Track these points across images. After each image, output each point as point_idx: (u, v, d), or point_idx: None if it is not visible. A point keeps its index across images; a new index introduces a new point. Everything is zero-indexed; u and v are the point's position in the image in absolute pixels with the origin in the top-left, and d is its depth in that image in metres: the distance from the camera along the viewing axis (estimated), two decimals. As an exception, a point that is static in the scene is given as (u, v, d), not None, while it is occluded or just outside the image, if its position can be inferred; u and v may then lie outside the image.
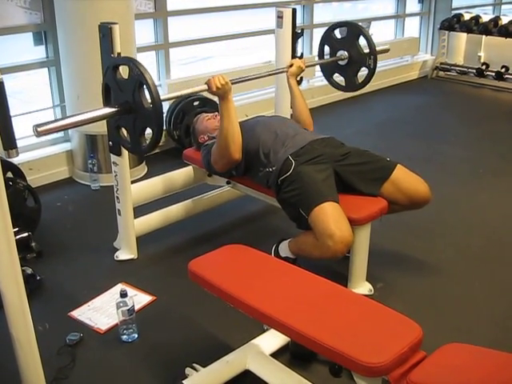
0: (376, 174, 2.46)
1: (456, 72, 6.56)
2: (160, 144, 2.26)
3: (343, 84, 3.32)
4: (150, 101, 2.00)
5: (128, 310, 2.17)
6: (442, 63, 6.66)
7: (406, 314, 1.62)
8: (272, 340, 2.04)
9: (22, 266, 1.68)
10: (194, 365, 1.98)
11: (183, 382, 1.85)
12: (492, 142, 4.58)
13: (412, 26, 6.89)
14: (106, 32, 2.33)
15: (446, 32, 6.54)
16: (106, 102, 2.22)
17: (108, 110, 2.14)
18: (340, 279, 2.10)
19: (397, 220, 2.72)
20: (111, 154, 2.61)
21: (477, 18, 6.25)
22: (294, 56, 3.19)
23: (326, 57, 3.34)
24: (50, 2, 3.48)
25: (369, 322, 1.63)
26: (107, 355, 2.15)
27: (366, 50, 3.09)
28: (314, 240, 2.25)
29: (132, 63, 2.01)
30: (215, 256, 2.01)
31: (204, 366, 1.95)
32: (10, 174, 2.97)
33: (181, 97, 2.67)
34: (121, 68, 2.14)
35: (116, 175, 2.66)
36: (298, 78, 3.01)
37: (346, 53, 3.16)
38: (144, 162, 3.90)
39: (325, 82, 3.47)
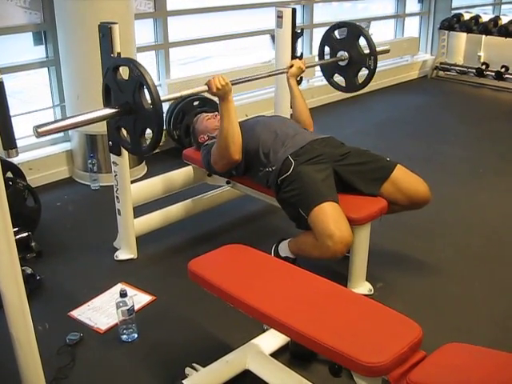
0: (376, 173, 2.46)
1: (456, 72, 6.56)
2: (160, 144, 2.26)
3: (343, 85, 3.32)
4: (150, 102, 2.01)
5: (128, 309, 2.17)
6: (441, 63, 6.66)
7: (406, 313, 1.62)
8: (272, 340, 2.04)
9: (21, 265, 1.68)
10: (194, 364, 1.98)
11: (183, 381, 1.85)
12: (492, 141, 4.58)
13: (412, 26, 6.90)
14: (105, 32, 2.33)
15: (446, 32, 6.55)
16: (107, 103, 2.22)
17: (108, 111, 2.14)
18: (340, 279, 2.10)
19: (396, 220, 2.72)
20: (111, 154, 2.61)
21: (477, 17, 6.25)
22: (293, 56, 3.19)
23: (326, 57, 3.34)
24: (50, 2, 3.48)
25: (369, 322, 1.63)
26: (107, 355, 2.15)
27: (367, 51, 3.09)
28: (314, 240, 2.25)
29: (132, 64, 2.02)
30: (215, 256, 2.01)
31: (204, 366, 1.95)
32: (9, 174, 2.97)
33: (181, 97, 2.68)
34: (121, 69, 2.14)
35: (116, 175, 2.66)
36: (298, 78, 3.01)
37: (346, 53, 3.16)
38: (144, 162, 3.90)
39: (325, 81, 3.47)
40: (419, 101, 5.85)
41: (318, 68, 3.79)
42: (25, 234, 2.72)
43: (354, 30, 3.14)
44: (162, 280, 2.62)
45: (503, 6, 8.13)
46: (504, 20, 6.10)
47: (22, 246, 2.66)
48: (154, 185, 2.94)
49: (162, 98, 2.04)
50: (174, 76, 4.51)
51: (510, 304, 2.45)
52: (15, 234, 1.77)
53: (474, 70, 6.31)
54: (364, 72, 3.14)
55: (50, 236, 2.97)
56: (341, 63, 3.21)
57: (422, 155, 4.15)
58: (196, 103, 4.12)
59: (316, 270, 1.89)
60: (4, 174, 1.67)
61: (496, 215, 3.26)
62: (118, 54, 2.33)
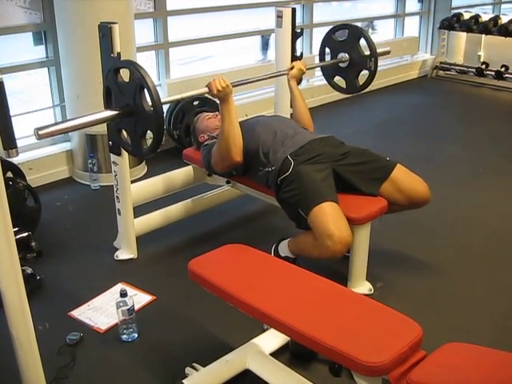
0: (375, 173, 2.46)
1: (456, 71, 6.56)
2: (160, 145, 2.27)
3: (344, 86, 3.32)
4: (150, 104, 2.01)
5: (128, 309, 2.17)
6: (441, 62, 6.66)
7: (406, 313, 1.62)
8: (272, 339, 2.05)
9: (21, 265, 1.68)
10: (194, 364, 1.98)
11: (183, 381, 1.85)
12: (492, 141, 4.58)
13: (412, 26, 6.90)
14: (105, 32, 2.33)
15: (446, 31, 6.55)
16: (107, 105, 2.22)
17: (109, 113, 2.14)
18: (340, 279, 2.10)
19: (396, 219, 2.72)
20: (111, 154, 2.61)
21: (476, 17, 6.25)
22: (293, 55, 3.19)
23: (327, 59, 3.34)
24: (50, 2, 3.48)
25: (369, 322, 1.63)
26: (107, 355, 2.15)
27: (367, 52, 3.09)
28: (313, 240, 2.25)
29: (133, 66, 2.02)
30: (215, 255, 2.01)
31: (204, 366, 1.95)
32: (9, 174, 2.97)
33: (181, 99, 2.69)
34: (121, 71, 2.14)
35: (116, 175, 2.66)
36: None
37: (346, 55, 3.16)
38: (144, 162, 3.90)
39: (324, 81, 3.47)
40: (419, 100, 5.85)
41: (318, 68, 3.79)
42: (25, 234, 2.72)
43: (355, 31, 3.14)
44: (162, 280, 2.62)
45: (503, 6, 8.13)
46: (504, 19, 6.10)
47: (22, 246, 2.67)
48: (154, 185, 2.94)
49: (162, 100, 2.05)
50: (174, 76, 4.51)
51: (509, 304, 2.45)
52: (15, 233, 1.77)
53: (474, 70, 6.31)
54: (365, 72, 3.14)
55: (50, 236, 2.98)
56: (341, 65, 3.21)
57: (421, 155, 4.15)
58: (196, 103, 4.12)
59: (316, 269, 1.89)
60: (4, 174, 1.67)
61: (496, 215, 3.26)
62: (118, 53, 2.33)
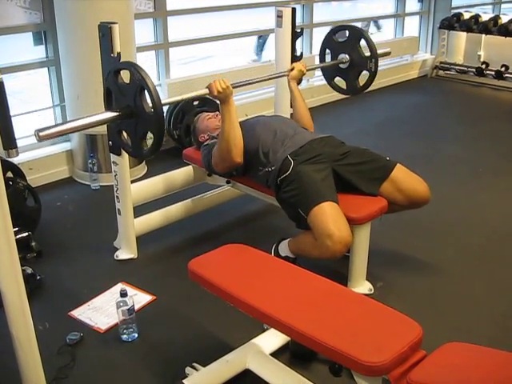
0: (375, 173, 2.46)
1: (456, 71, 6.56)
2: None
3: (344, 87, 3.32)
4: (151, 105, 2.01)
5: (128, 309, 2.17)
6: (441, 62, 6.66)
7: (406, 313, 1.62)
8: (272, 339, 2.05)
9: (22, 265, 1.68)
10: (194, 364, 1.98)
11: (183, 381, 1.85)
12: (492, 141, 4.58)
13: (412, 25, 6.90)
14: (105, 32, 2.33)
15: (446, 31, 6.54)
16: (108, 106, 2.22)
17: (109, 115, 2.14)
18: (340, 278, 2.11)
19: (396, 219, 2.72)
20: (111, 154, 2.61)
21: (476, 17, 6.25)
22: (293, 55, 3.19)
23: (327, 59, 3.34)
24: (50, 2, 3.48)
25: (369, 321, 1.63)
26: (107, 355, 2.15)
27: (368, 53, 3.09)
28: (313, 240, 2.26)
29: (133, 68, 2.02)
30: (215, 255, 2.01)
31: (204, 366, 1.95)
32: (10, 174, 2.97)
33: (182, 101, 2.71)
34: (122, 72, 2.15)
35: (116, 175, 2.66)
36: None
37: (347, 56, 3.16)
38: (144, 162, 3.90)
39: (324, 81, 3.47)
40: (419, 100, 5.85)
41: (318, 68, 3.79)
42: (25, 234, 2.72)
43: (355, 32, 3.14)
44: (162, 280, 2.62)
45: (503, 6, 8.13)
46: (504, 19, 6.10)
47: (23, 246, 2.67)
48: (154, 184, 2.95)
49: (162, 102, 2.05)
50: (174, 76, 4.51)
51: (509, 304, 2.45)
52: (15, 233, 1.77)
53: (474, 70, 6.31)
54: (365, 74, 3.14)
55: (50, 236, 2.98)
56: (342, 66, 3.21)
57: (421, 154, 4.15)
58: (196, 103, 4.12)
59: (316, 269, 1.89)
60: (4, 174, 1.67)
61: (496, 215, 3.26)
62: (118, 53, 2.33)
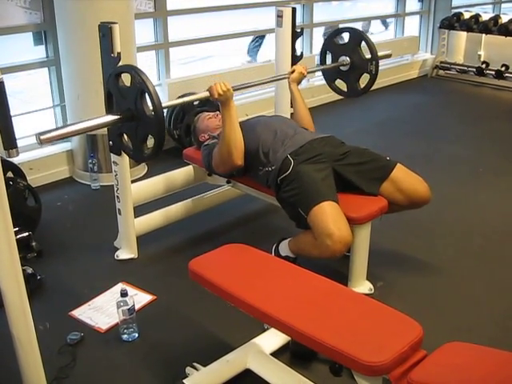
0: (376, 173, 2.46)
1: (456, 71, 6.55)
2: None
3: (345, 89, 3.32)
4: (151, 108, 2.01)
5: (128, 309, 2.17)
6: (441, 62, 6.66)
7: (407, 312, 1.62)
8: (272, 339, 2.05)
9: (22, 265, 1.69)
10: (195, 364, 1.98)
11: (184, 381, 1.85)
12: (492, 140, 4.58)
13: (412, 25, 6.90)
14: (106, 32, 2.33)
15: (446, 31, 6.54)
16: (109, 109, 2.22)
17: (110, 118, 2.15)
18: (340, 278, 2.11)
19: (397, 219, 2.72)
20: (111, 154, 2.61)
21: (477, 16, 6.25)
22: (293, 55, 3.19)
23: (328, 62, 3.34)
24: (50, 2, 3.48)
25: (369, 321, 1.63)
26: (108, 354, 2.15)
27: (368, 56, 3.09)
28: (313, 239, 2.26)
29: (134, 71, 2.03)
30: (215, 255, 2.01)
31: (204, 366, 1.95)
32: (10, 174, 2.97)
33: (183, 103, 2.72)
34: (123, 75, 2.15)
35: (116, 175, 2.66)
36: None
37: (347, 58, 3.16)
38: (144, 162, 3.89)
39: (324, 80, 3.47)
40: (419, 100, 5.85)
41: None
42: (25, 234, 2.72)
43: (356, 35, 3.14)
44: (162, 279, 2.62)
45: (503, 5, 8.12)
46: (504, 19, 6.09)
47: (23, 246, 2.67)
48: (155, 184, 2.95)
49: (163, 105, 2.05)
50: (174, 76, 4.52)
51: (510, 303, 2.45)
52: (16, 233, 1.77)
53: (474, 69, 6.31)
54: (366, 76, 3.14)
55: (50, 236, 2.98)
56: (342, 68, 3.21)
57: (421, 154, 4.15)
58: (196, 102, 4.11)
59: (316, 269, 1.89)
60: (4, 174, 1.67)
61: (496, 215, 3.26)
62: (118, 53, 2.34)
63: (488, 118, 5.23)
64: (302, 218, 2.31)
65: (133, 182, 2.78)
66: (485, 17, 6.26)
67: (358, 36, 3.13)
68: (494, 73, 6.15)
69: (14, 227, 1.60)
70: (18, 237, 2.55)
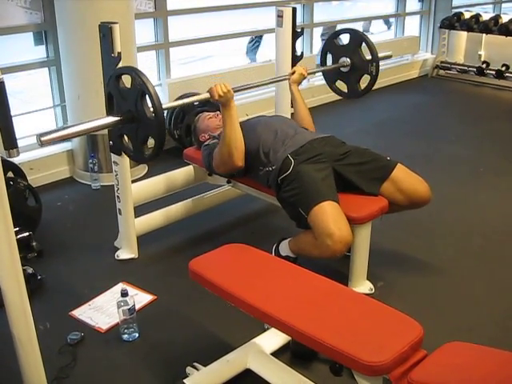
0: (376, 173, 2.46)
1: (456, 71, 6.55)
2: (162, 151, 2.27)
3: (345, 91, 3.32)
4: (152, 110, 2.02)
5: (129, 309, 2.17)
6: (442, 62, 6.66)
7: (407, 312, 1.62)
8: (273, 339, 2.05)
9: (22, 265, 1.69)
10: (195, 364, 1.98)
11: (184, 381, 1.85)
12: (492, 140, 4.58)
13: (412, 25, 6.90)
14: (106, 32, 2.33)
15: (447, 31, 6.54)
16: (109, 111, 2.23)
17: (111, 119, 2.15)
18: (341, 278, 2.11)
19: (397, 219, 2.72)
20: (112, 154, 2.61)
21: (477, 16, 6.25)
22: (294, 55, 3.20)
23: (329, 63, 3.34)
24: (51, 2, 3.48)
25: (369, 321, 1.63)
26: (108, 354, 2.15)
27: (369, 57, 3.09)
28: (313, 239, 2.26)
29: (134, 73, 2.03)
30: (216, 255, 2.01)
31: (205, 365, 1.95)
32: (10, 174, 2.97)
33: (183, 105, 2.72)
34: (123, 76, 2.15)
35: (116, 175, 2.66)
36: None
37: (348, 59, 3.16)
38: (144, 163, 3.89)
39: (325, 81, 3.47)
40: (419, 100, 5.85)
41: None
42: (26, 234, 2.72)
43: (357, 36, 3.14)
44: (162, 279, 2.62)
45: (503, 5, 8.13)
46: (504, 19, 6.09)
47: (23, 246, 2.67)
48: (155, 184, 2.95)
49: (164, 107, 2.06)
50: (175, 75, 4.52)
51: (510, 303, 2.45)
52: (16, 233, 1.78)
53: (475, 69, 6.31)
54: (366, 77, 3.15)
55: (50, 236, 2.98)
56: (343, 69, 3.21)
57: (422, 154, 4.15)
58: (196, 103, 4.11)
59: (317, 268, 1.89)
60: (5, 174, 1.67)
61: (496, 215, 3.26)
62: (119, 53, 2.34)
63: (488, 117, 5.22)
64: (303, 217, 2.31)
65: (133, 181, 2.78)
66: (485, 17, 6.26)
67: (359, 37, 3.13)
68: (494, 73, 6.15)
69: (15, 227, 1.60)
70: (18, 237, 2.56)
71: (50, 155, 3.73)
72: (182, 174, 3.01)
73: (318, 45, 3.43)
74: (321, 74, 3.50)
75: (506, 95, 6.04)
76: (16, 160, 2.87)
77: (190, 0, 5.15)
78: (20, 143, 1.67)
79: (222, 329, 2.25)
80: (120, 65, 2.34)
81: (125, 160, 2.61)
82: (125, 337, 2.20)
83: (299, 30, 3.21)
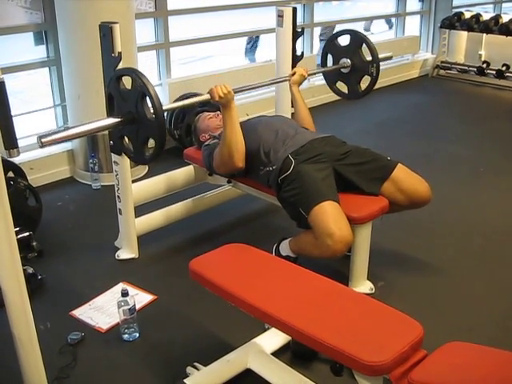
0: (376, 173, 2.46)
1: (457, 70, 6.55)
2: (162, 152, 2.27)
3: (346, 92, 3.32)
4: (152, 111, 2.02)
5: (129, 309, 2.17)
6: (442, 62, 6.66)
7: (407, 312, 1.62)
8: (273, 339, 2.05)
9: (23, 265, 1.69)
10: (195, 364, 1.98)
11: (184, 380, 1.85)
12: (493, 140, 4.58)
13: (413, 25, 6.90)
14: (106, 31, 2.33)
15: (447, 30, 6.54)
16: (110, 112, 2.23)
17: (112, 121, 2.16)
18: (341, 278, 2.11)
19: (397, 219, 2.73)
20: (112, 154, 2.61)
21: (477, 16, 6.25)
22: (294, 55, 3.20)
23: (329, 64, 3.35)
24: (51, 2, 3.48)
25: (370, 321, 1.63)
26: (108, 354, 2.15)
27: (369, 58, 3.09)
28: (314, 239, 2.26)
29: (135, 74, 2.03)
30: (216, 255, 2.01)
31: (205, 365, 1.95)
32: (11, 174, 2.98)
33: (183, 106, 2.72)
34: (124, 78, 2.15)
35: (117, 174, 2.66)
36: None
37: (348, 60, 3.16)
38: (145, 164, 3.89)
39: (326, 83, 3.47)
40: (420, 99, 5.85)
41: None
42: (26, 234, 2.72)
43: (357, 37, 3.14)
44: (163, 279, 2.62)
45: (504, 5, 8.13)
46: (505, 18, 6.09)
47: (24, 246, 2.67)
48: (155, 184, 2.95)
49: (164, 108, 2.06)
50: (175, 75, 4.52)
51: (510, 303, 2.45)
52: (16, 233, 1.77)
53: (475, 69, 6.31)
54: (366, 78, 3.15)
55: (51, 236, 2.98)
56: (343, 70, 3.22)
57: (422, 154, 4.15)
58: (197, 103, 4.11)
59: (317, 268, 1.89)
60: (5, 174, 1.67)
61: (497, 215, 3.26)
62: (119, 53, 2.34)
63: (489, 117, 5.22)
64: (303, 217, 2.31)
65: (133, 181, 2.78)
66: (485, 16, 6.26)
67: (359, 38, 3.13)
68: (494, 72, 6.15)
69: (15, 227, 1.60)
70: (18, 237, 2.56)
71: (51, 155, 3.73)
72: (182, 173, 3.01)
73: (317, 45, 3.43)
74: (321, 73, 3.50)
75: (507, 95, 6.04)
76: (16, 160, 2.86)
77: (190, 0, 5.15)
78: (20, 143, 1.67)
79: (223, 329, 2.25)
80: (120, 64, 2.34)
81: (125, 160, 2.61)
82: (125, 337, 2.20)
83: (299, 30, 3.21)
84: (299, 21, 4.16)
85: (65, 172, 3.79)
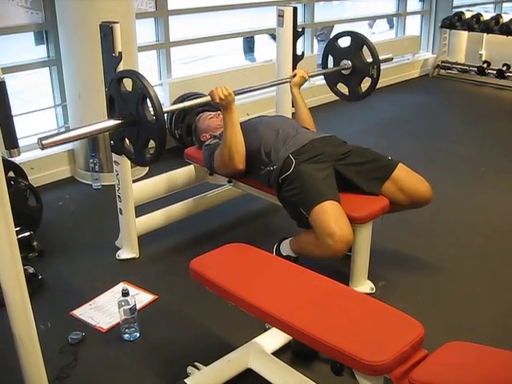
0: (377, 173, 2.46)
1: (457, 70, 6.55)
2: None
3: (347, 93, 3.32)
4: (153, 113, 2.02)
5: (130, 308, 2.17)
6: (443, 61, 6.66)
7: (408, 312, 1.62)
8: (274, 338, 2.05)
9: (23, 265, 1.68)
10: (196, 363, 1.98)
11: (185, 380, 1.85)
12: (493, 140, 4.58)
13: (413, 25, 6.90)
14: (107, 31, 2.33)
15: (447, 30, 6.54)
16: (111, 114, 2.23)
17: (112, 123, 2.16)
18: (342, 278, 2.11)
19: (398, 219, 2.72)
20: (113, 154, 2.61)
21: (478, 16, 6.24)
22: (294, 55, 3.20)
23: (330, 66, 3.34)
24: (51, 2, 3.49)
25: (370, 321, 1.63)
26: (109, 354, 2.15)
27: (370, 59, 3.09)
28: (315, 239, 2.26)
29: (135, 76, 2.03)
30: (217, 255, 2.01)
31: (206, 365, 1.95)
32: (11, 174, 2.97)
33: (184, 108, 2.73)
34: (124, 79, 2.16)
35: (117, 174, 2.66)
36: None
37: (349, 62, 3.16)
38: (145, 166, 3.89)
39: (326, 84, 3.47)
40: (420, 99, 5.84)
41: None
42: (27, 234, 2.72)
43: (358, 39, 3.14)
44: (163, 279, 2.62)
45: (504, 5, 8.12)
46: (505, 18, 6.09)
47: (24, 246, 2.67)
48: (156, 184, 2.95)
49: (164, 110, 2.06)
50: (176, 75, 4.52)
51: (510, 303, 2.45)
52: (17, 233, 1.77)
53: (476, 69, 6.31)
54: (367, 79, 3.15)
55: (51, 235, 2.98)
56: (344, 72, 3.22)
57: (423, 154, 4.15)
58: (197, 103, 4.11)
59: (318, 268, 1.89)
60: (6, 174, 1.67)
61: (497, 214, 3.26)
62: (120, 53, 2.34)
63: (489, 117, 5.22)
64: (304, 217, 2.31)
65: (134, 181, 2.78)
66: (486, 16, 6.26)
67: (360, 40, 3.13)
68: (495, 72, 6.15)
69: (16, 227, 1.60)
70: (19, 236, 2.55)
71: (51, 155, 3.72)
72: (182, 173, 3.01)
73: (316, 45, 3.43)
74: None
75: (507, 95, 6.04)
76: (17, 160, 2.88)
77: (190, 0, 5.15)
78: (21, 143, 1.67)
79: (223, 328, 2.25)
80: (121, 64, 2.34)
81: (126, 160, 2.60)
82: (126, 336, 2.20)
83: (300, 30, 3.21)
84: (300, 20, 4.17)
85: (65, 172, 3.80)
